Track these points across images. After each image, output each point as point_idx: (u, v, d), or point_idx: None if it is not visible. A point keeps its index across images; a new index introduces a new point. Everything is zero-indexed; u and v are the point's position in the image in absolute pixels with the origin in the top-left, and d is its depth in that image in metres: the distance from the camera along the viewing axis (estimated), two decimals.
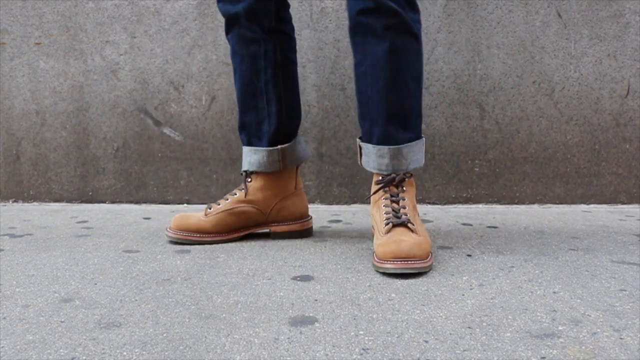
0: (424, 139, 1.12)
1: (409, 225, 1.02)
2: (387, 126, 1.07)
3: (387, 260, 0.95)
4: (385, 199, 1.08)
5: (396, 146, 1.08)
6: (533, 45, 1.62)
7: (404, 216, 1.04)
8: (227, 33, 1.22)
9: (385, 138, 1.08)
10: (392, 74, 1.06)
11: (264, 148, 1.21)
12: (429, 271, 0.97)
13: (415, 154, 1.10)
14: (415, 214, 1.07)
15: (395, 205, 1.07)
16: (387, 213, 1.05)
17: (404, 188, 1.09)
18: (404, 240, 0.97)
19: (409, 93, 1.07)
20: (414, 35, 1.06)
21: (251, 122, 1.23)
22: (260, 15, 1.17)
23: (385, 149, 1.08)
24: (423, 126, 1.09)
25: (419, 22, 1.08)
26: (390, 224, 1.02)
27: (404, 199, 1.08)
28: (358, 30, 1.07)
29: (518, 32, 1.62)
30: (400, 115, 1.07)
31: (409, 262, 0.94)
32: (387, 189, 1.09)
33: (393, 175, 1.08)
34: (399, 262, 0.94)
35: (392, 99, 1.06)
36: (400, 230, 1.01)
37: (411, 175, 1.11)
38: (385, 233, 1.01)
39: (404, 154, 1.08)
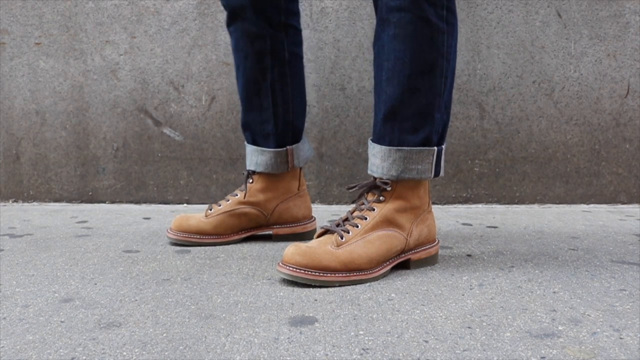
0: (435, 148, 0.97)
1: (338, 235, 0.93)
2: (383, 123, 0.96)
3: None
4: (356, 203, 1.00)
5: (387, 147, 0.96)
6: (533, 45, 1.62)
7: (340, 225, 0.96)
8: (228, 25, 1.14)
9: (380, 136, 0.98)
10: (392, 63, 0.94)
11: (272, 149, 1.15)
12: (320, 286, 0.89)
13: (414, 162, 0.96)
14: (376, 230, 0.95)
15: (355, 212, 0.98)
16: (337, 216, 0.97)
17: (381, 198, 0.97)
18: (311, 247, 0.91)
19: (411, 88, 0.93)
20: (424, 20, 0.91)
21: (255, 121, 1.17)
22: (268, 7, 1.09)
23: (377, 147, 0.97)
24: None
25: (441, 6, 0.92)
26: (322, 229, 0.97)
27: (372, 210, 0.97)
28: (377, 16, 0.97)
29: (518, 32, 1.62)
30: (399, 113, 0.95)
31: (299, 270, 0.89)
32: (365, 194, 0.99)
33: (373, 179, 0.99)
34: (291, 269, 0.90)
35: (390, 92, 0.95)
36: (326, 237, 0.95)
37: (418, 187, 0.99)
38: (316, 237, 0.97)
39: (396, 159, 0.95)
